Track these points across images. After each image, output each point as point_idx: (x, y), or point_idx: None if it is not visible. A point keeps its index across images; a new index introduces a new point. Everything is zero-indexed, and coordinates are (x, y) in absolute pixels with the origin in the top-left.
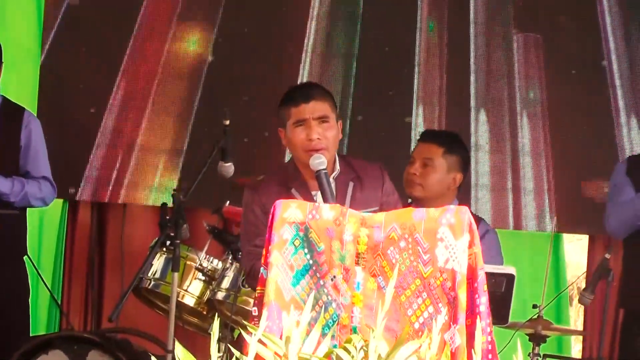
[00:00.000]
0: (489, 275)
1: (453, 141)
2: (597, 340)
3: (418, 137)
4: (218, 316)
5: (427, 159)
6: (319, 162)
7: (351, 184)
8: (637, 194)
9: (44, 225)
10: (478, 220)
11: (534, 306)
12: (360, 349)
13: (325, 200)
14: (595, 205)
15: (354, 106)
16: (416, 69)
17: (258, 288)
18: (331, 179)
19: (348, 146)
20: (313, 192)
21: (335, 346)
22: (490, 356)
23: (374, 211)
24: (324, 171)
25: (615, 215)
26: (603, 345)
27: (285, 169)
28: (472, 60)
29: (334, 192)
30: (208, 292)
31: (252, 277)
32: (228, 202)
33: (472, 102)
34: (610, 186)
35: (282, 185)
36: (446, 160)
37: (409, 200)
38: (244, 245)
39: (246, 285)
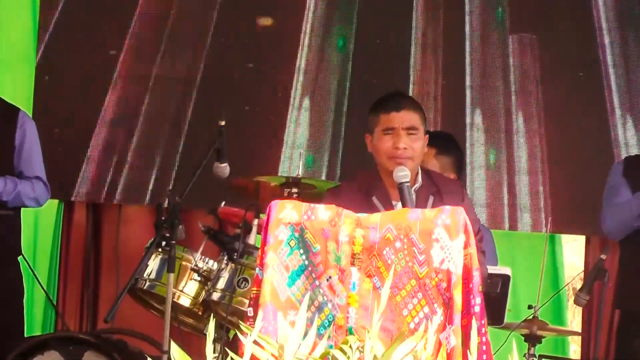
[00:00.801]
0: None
1: (446, 142)
2: (593, 341)
3: None
4: (213, 317)
5: None
6: (402, 174)
7: (431, 198)
8: (634, 195)
9: (40, 226)
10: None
11: (530, 307)
12: (356, 350)
13: None
14: (591, 206)
15: (349, 107)
16: (411, 70)
17: (253, 289)
18: (412, 191)
19: (344, 150)
20: (394, 202)
21: (331, 347)
22: (485, 357)
23: None
24: (406, 184)
25: (612, 217)
26: (599, 346)
27: (367, 175)
28: (467, 60)
29: (414, 205)
30: (203, 292)
31: None
32: (223, 202)
33: (468, 103)
34: (606, 187)
35: (363, 192)
36: (439, 161)
37: None
38: None
39: (242, 286)
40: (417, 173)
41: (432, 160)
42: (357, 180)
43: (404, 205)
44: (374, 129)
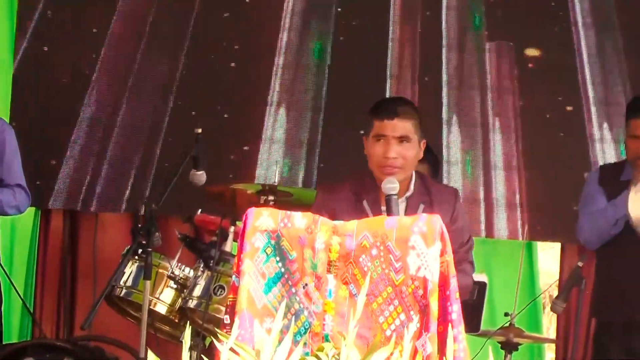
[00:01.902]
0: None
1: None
2: (570, 348)
3: None
4: (190, 324)
5: None
6: (390, 186)
7: (422, 206)
8: (609, 203)
9: (17, 234)
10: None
11: (506, 314)
12: (332, 357)
13: None
14: (567, 214)
15: (326, 114)
16: (388, 81)
17: (230, 296)
18: (403, 199)
19: (320, 157)
20: (383, 208)
21: (307, 354)
22: None
23: None
24: (394, 196)
25: (588, 225)
26: (575, 354)
27: (361, 177)
28: (444, 70)
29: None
30: (180, 300)
31: None
32: (200, 210)
33: (444, 113)
34: (582, 195)
35: (355, 194)
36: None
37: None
38: None
39: (218, 293)
40: (411, 181)
41: None
42: (350, 181)
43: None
44: (368, 133)
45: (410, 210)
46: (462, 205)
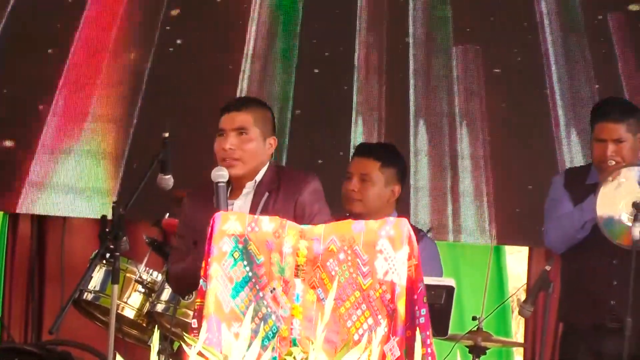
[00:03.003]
0: (429, 287)
1: (389, 154)
2: (538, 352)
3: (353, 151)
4: (158, 328)
5: (364, 174)
6: (218, 174)
7: (266, 194)
8: (575, 207)
9: None
10: (417, 231)
11: (474, 318)
12: None
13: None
14: (534, 217)
15: (293, 117)
16: (355, 83)
17: (197, 300)
18: (247, 189)
19: (287, 160)
20: (230, 201)
21: (275, 358)
22: None
23: None
24: (221, 184)
25: (554, 230)
26: (543, 357)
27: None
28: (411, 71)
29: (227, 204)
30: (148, 304)
31: (167, 279)
32: (167, 214)
33: (412, 114)
34: (547, 200)
35: (206, 195)
36: (383, 174)
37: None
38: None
39: (186, 297)
40: (258, 172)
41: (376, 174)
42: (207, 184)
43: (216, 204)
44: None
45: (256, 199)
46: (316, 190)
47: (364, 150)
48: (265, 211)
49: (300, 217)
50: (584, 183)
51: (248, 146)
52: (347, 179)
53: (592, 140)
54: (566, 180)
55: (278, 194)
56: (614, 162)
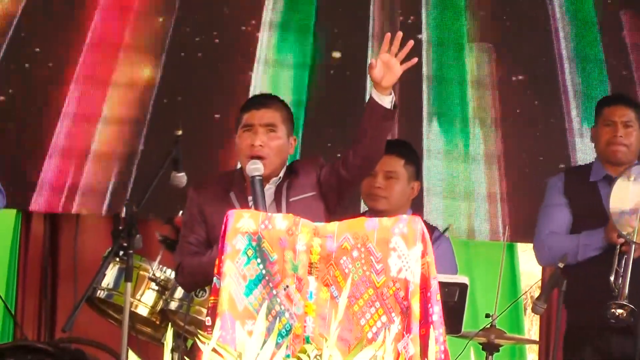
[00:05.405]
0: (442, 285)
1: (411, 150)
2: (552, 349)
3: None
4: (171, 326)
5: (389, 171)
6: (254, 167)
7: (285, 184)
8: (580, 237)
9: None
10: (431, 229)
11: (487, 315)
12: (314, 359)
13: (255, 206)
14: None
15: (306, 117)
16: (369, 79)
17: (211, 298)
18: (270, 185)
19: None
20: (249, 198)
21: (288, 356)
22: None
23: (311, 196)
24: (258, 177)
25: (550, 254)
26: (556, 355)
27: (231, 173)
28: (424, 69)
29: (265, 199)
30: (161, 302)
31: (179, 272)
32: (180, 212)
33: (425, 111)
34: (543, 205)
35: (222, 188)
36: (407, 171)
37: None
38: (180, 241)
39: (199, 295)
40: (281, 169)
41: (401, 171)
42: (222, 177)
43: (254, 200)
44: (237, 129)
45: (277, 193)
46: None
47: (389, 146)
48: (289, 194)
49: (323, 174)
50: (587, 181)
51: (276, 143)
52: (372, 176)
53: (599, 127)
54: (566, 184)
55: (298, 176)
56: (624, 148)
